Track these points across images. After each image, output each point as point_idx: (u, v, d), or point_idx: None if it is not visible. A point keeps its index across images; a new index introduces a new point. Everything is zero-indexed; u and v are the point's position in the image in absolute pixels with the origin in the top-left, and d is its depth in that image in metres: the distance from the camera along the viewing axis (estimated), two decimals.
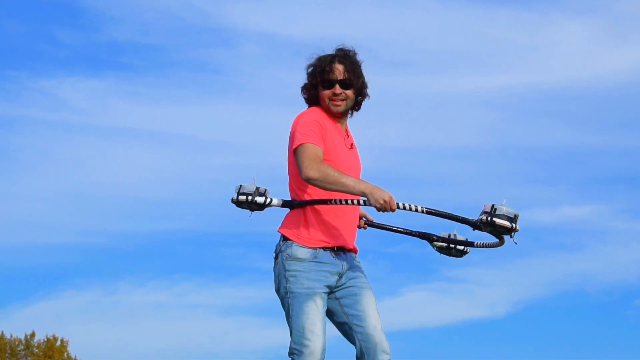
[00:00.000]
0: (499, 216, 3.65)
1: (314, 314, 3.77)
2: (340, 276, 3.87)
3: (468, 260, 4.28)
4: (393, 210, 3.72)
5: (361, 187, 3.72)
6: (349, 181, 3.73)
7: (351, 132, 4.07)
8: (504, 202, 3.67)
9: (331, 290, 3.87)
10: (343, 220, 3.90)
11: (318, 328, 3.75)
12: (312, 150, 3.78)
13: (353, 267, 3.91)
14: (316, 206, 3.87)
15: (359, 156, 4.07)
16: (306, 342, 3.73)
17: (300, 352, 3.73)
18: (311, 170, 3.73)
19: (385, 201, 3.68)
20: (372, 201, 3.68)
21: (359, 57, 3.99)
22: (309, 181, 3.76)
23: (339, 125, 3.99)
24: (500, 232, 3.69)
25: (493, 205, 3.67)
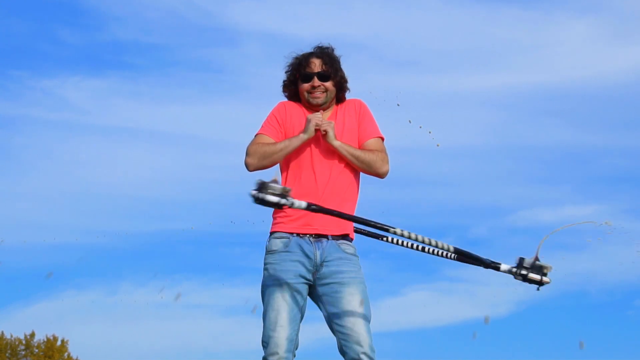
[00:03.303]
0: (531, 270, 3.71)
1: (280, 305, 3.77)
2: (317, 268, 3.82)
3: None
4: (321, 128, 3.85)
5: (299, 135, 3.87)
6: (287, 141, 3.88)
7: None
8: (538, 249, 3.73)
9: (312, 283, 3.83)
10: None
11: (283, 319, 3.75)
12: (252, 142, 3.93)
13: (335, 258, 3.83)
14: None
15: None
16: (271, 333, 3.75)
17: (267, 344, 3.76)
18: (246, 158, 3.89)
19: (316, 116, 3.86)
20: (311, 130, 3.84)
21: (338, 53, 4.03)
22: (248, 167, 3.89)
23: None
24: (530, 283, 3.74)
25: (522, 261, 3.70)
